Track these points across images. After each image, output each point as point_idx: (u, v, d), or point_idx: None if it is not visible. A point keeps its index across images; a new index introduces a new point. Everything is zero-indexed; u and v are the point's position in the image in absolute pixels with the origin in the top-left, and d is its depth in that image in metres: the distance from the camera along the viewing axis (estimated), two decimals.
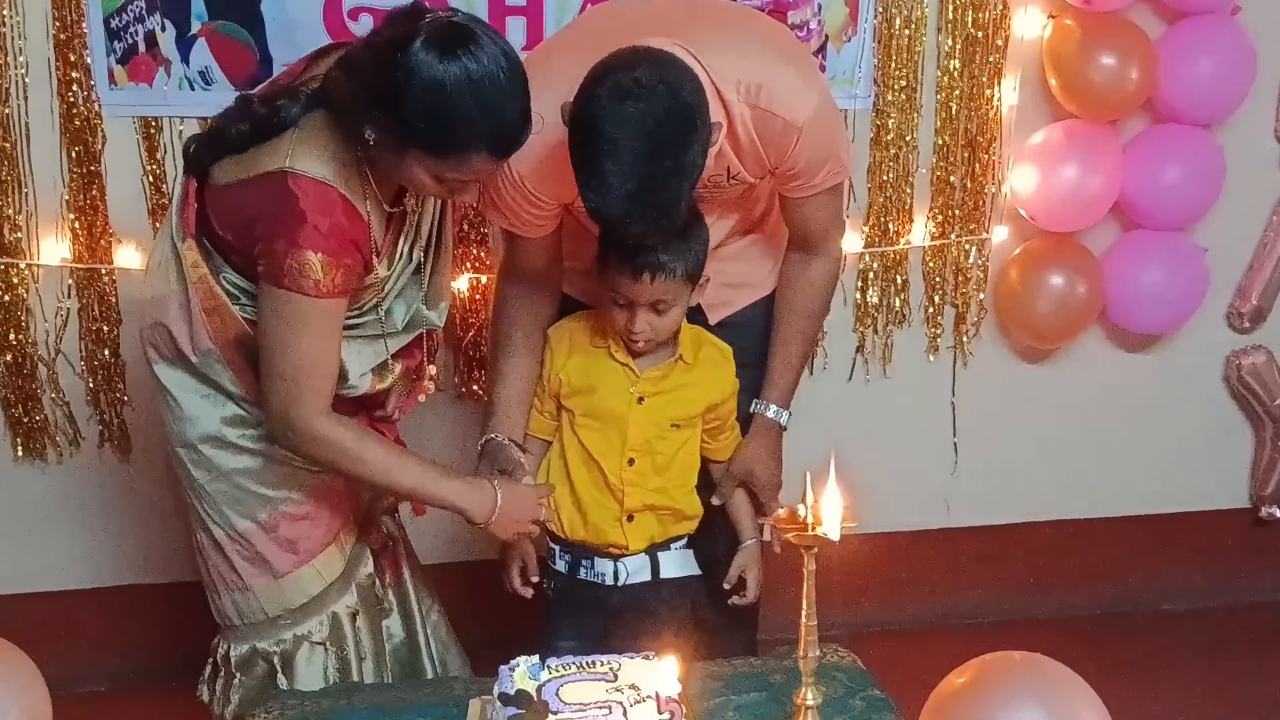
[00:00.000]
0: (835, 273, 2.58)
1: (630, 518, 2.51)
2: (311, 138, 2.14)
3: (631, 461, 2.48)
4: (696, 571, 2.61)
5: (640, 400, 2.47)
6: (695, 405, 2.51)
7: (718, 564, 2.62)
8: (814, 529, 2.00)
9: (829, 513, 1.99)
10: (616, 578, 2.54)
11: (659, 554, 2.56)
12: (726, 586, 2.59)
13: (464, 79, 2.01)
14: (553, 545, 2.58)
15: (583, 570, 2.55)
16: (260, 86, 2.41)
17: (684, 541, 2.59)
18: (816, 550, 2.03)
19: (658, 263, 2.31)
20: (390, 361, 2.39)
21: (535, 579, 2.55)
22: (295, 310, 2.15)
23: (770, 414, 2.58)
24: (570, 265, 2.55)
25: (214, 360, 2.27)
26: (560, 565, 2.57)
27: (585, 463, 2.50)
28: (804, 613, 2.06)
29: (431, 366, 2.51)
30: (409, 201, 2.30)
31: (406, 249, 2.33)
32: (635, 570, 2.55)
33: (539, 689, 2.00)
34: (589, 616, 2.57)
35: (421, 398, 2.53)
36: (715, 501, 2.60)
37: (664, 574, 2.56)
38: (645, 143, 2.03)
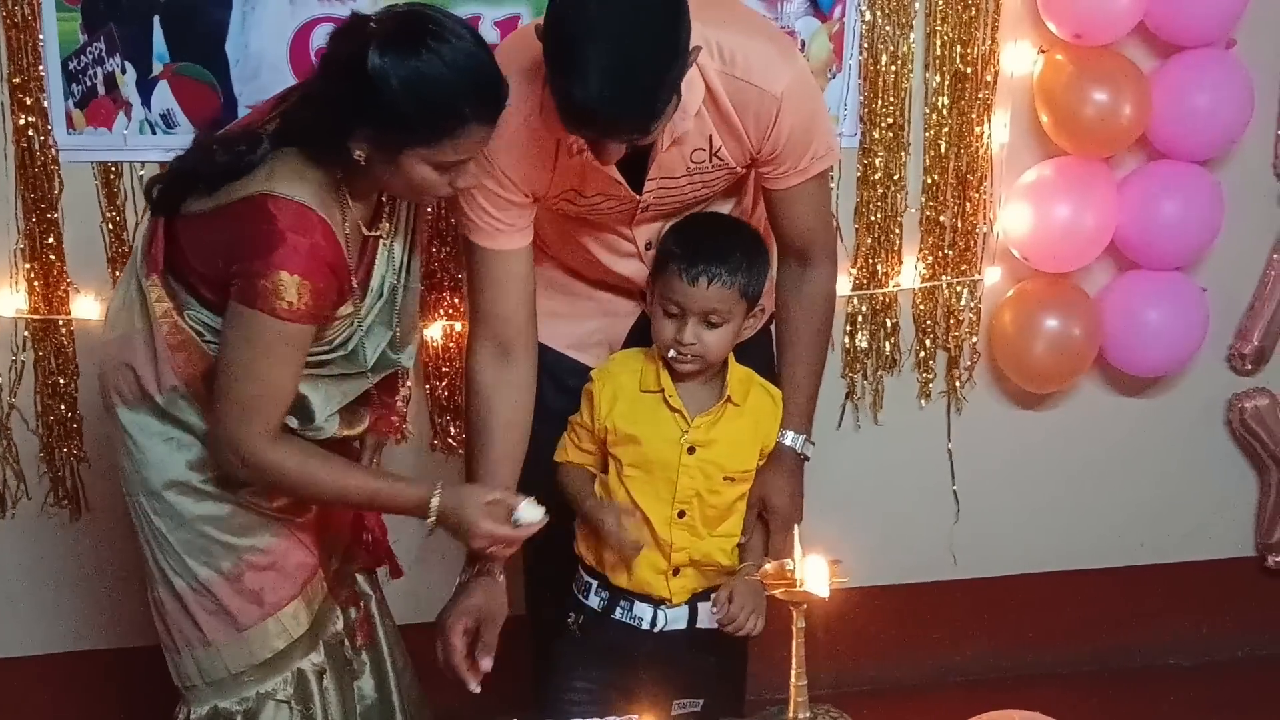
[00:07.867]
0: (833, 283, 2.53)
1: (676, 571, 2.44)
2: (287, 166, 2.15)
3: (682, 514, 2.42)
4: None
5: (691, 450, 2.40)
6: (748, 456, 2.46)
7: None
8: (801, 585, 1.97)
9: (814, 570, 1.97)
10: (654, 624, 2.46)
11: (699, 604, 2.48)
12: (713, 609, 2.44)
13: (436, 60, 2.05)
14: (589, 579, 2.49)
15: (619, 611, 2.47)
16: (223, 130, 2.40)
17: None
18: (806, 606, 2.00)
19: (716, 271, 2.30)
20: (361, 410, 2.38)
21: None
22: (262, 333, 2.14)
23: (787, 441, 2.50)
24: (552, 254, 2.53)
25: (179, 397, 2.26)
26: (594, 602, 2.49)
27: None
28: (793, 671, 2.03)
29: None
30: (384, 226, 2.31)
31: (379, 282, 2.32)
32: (674, 619, 2.47)
33: None
34: (612, 660, 2.48)
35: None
36: (741, 540, 2.50)
37: (700, 624, 2.48)
38: (627, 22, 1.99)
